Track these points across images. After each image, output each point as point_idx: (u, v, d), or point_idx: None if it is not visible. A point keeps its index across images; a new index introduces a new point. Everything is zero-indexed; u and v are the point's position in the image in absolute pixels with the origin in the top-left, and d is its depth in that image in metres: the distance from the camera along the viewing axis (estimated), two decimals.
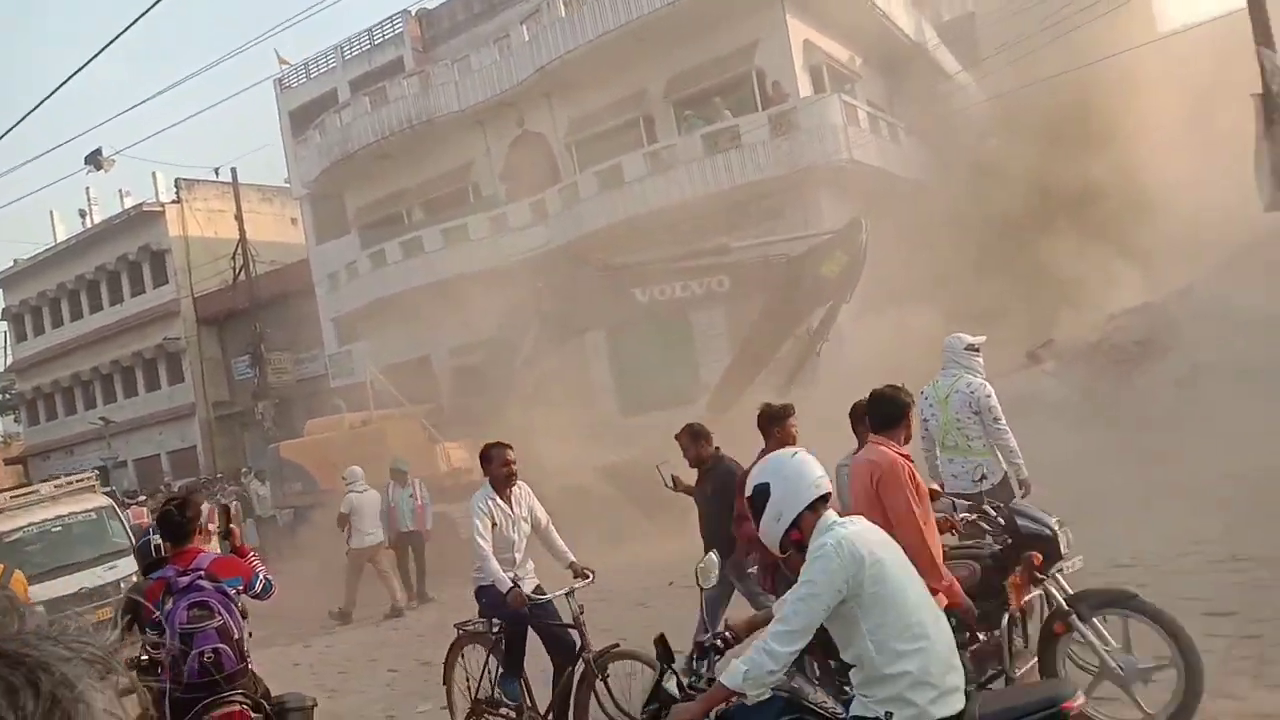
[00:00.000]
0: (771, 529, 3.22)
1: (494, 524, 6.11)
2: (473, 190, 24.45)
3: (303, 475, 17.45)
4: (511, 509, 6.24)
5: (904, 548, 4.18)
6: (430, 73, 24.02)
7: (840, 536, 3.07)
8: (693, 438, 6.87)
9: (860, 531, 3.16)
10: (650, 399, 18.73)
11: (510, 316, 16.69)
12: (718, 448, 6.90)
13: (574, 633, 5.85)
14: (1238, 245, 13.83)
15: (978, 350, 6.95)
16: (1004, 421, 6.66)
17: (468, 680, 6.40)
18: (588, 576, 6.08)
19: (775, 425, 6.06)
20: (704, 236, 17.70)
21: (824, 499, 3.22)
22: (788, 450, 3.42)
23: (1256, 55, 11.53)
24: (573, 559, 6.29)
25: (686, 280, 14.87)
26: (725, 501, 6.35)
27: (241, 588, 4.83)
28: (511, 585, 5.88)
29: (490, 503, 6.16)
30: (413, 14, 26.51)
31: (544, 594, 6.13)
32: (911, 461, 4.62)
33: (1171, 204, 15.75)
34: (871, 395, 4.83)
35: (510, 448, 6.35)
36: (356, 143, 24.64)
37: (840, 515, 3.34)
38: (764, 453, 5.71)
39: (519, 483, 6.36)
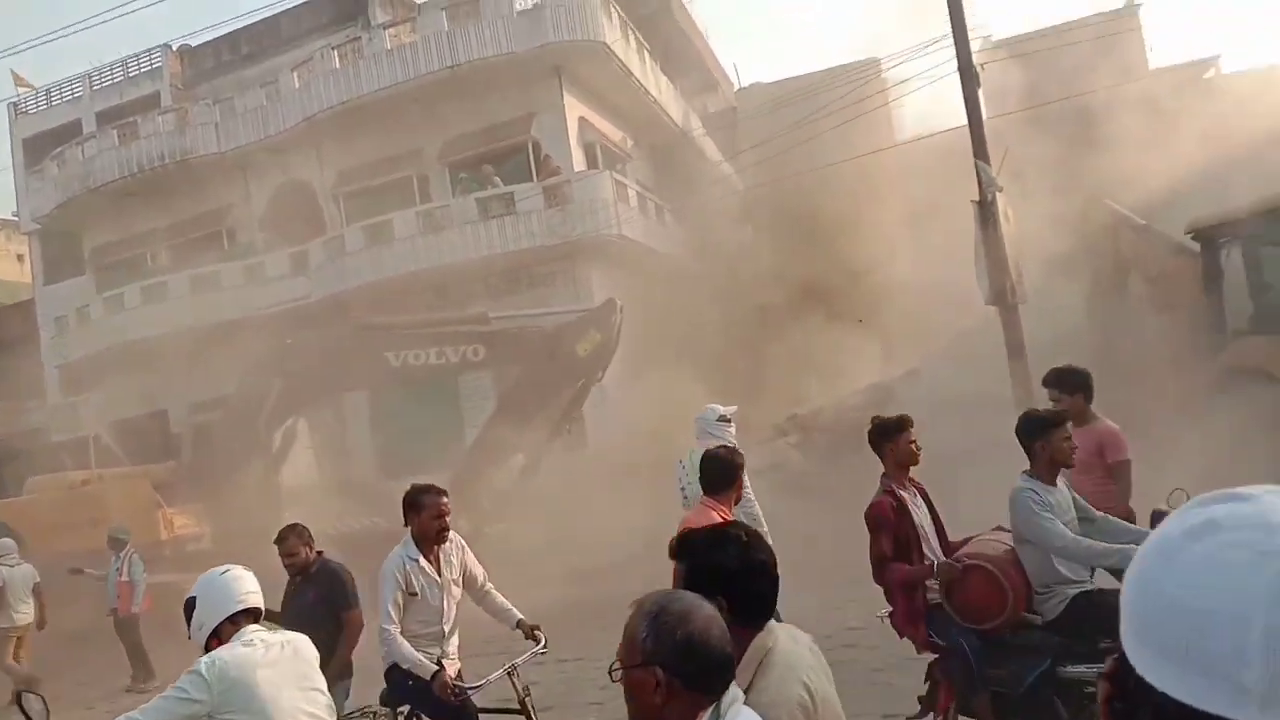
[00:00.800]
0: (197, 635, 3.53)
1: (413, 593, 4.94)
2: (227, 236, 23.17)
3: (14, 538, 15.58)
4: (440, 572, 5.08)
5: None
6: (189, 111, 22.74)
7: (216, 658, 3.32)
8: (299, 538, 6.05)
9: (243, 654, 3.37)
10: (414, 461, 18.17)
11: (256, 372, 15.82)
12: (320, 551, 6.17)
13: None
14: (960, 333, 15.31)
15: (729, 421, 7.17)
16: (751, 490, 6.93)
17: None
18: (539, 640, 5.04)
19: (887, 441, 5.00)
20: (474, 300, 17.64)
21: (246, 613, 3.51)
22: (221, 568, 3.65)
23: (974, 167, 12.94)
24: (520, 616, 5.20)
25: (442, 346, 14.66)
26: (329, 608, 5.74)
27: None
28: (436, 669, 4.75)
29: (409, 567, 4.96)
30: (174, 49, 25.11)
31: (471, 681, 4.94)
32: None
33: (907, 294, 17.26)
34: (705, 456, 4.65)
35: (444, 494, 5.15)
36: (100, 178, 22.83)
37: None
38: (883, 476, 4.99)
39: (451, 535, 5.17)
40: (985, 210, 12.72)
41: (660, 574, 2.70)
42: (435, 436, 18.92)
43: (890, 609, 4.96)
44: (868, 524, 4.82)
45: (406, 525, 5.12)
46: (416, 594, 4.94)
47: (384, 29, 20.63)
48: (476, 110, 20.00)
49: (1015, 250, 12.78)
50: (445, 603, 5.07)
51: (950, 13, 13.19)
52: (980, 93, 13.38)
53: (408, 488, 5.21)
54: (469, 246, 19.02)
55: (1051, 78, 19.01)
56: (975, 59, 13.42)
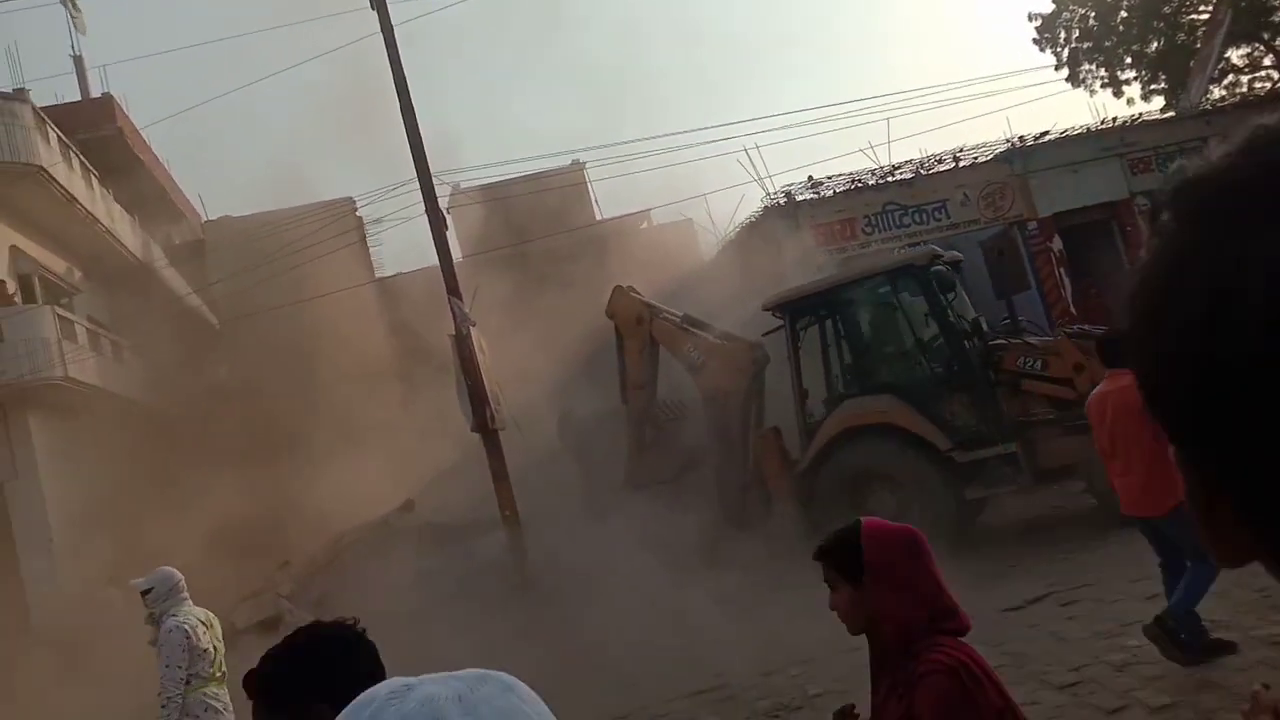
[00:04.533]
0: None
1: None
2: None
3: None
4: None
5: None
6: None
7: None
8: None
9: None
10: None
11: None
12: None
13: None
14: (453, 461, 15.65)
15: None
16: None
17: None
18: None
19: None
20: None
21: None
22: None
23: (449, 303, 13.55)
24: None
25: None
26: None
27: None
28: None
29: None
30: None
31: None
32: None
33: (399, 426, 17.31)
34: (1107, 341, 6.24)
35: None
36: None
37: None
38: None
39: None
40: (461, 343, 13.35)
41: None
42: None
43: None
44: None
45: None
46: None
47: None
48: None
49: (492, 380, 13.53)
50: None
51: (414, 160, 13.87)
52: (453, 234, 14.18)
53: None
54: None
55: (523, 221, 20.82)
56: (444, 204, 14.22)
